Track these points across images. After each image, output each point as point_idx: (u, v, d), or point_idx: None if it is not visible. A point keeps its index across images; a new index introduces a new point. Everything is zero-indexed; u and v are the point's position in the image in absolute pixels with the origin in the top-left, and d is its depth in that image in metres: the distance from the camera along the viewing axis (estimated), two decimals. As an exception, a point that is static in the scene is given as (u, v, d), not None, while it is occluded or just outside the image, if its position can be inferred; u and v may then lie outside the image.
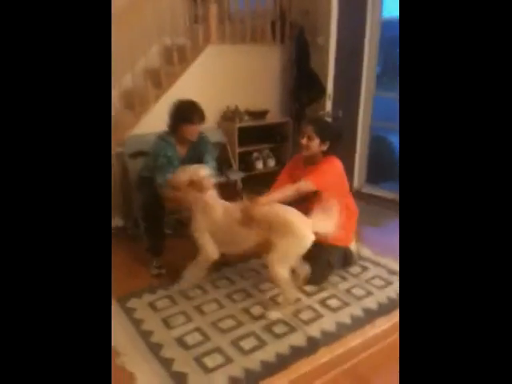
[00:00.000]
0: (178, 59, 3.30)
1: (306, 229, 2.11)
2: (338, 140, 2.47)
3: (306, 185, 2.32)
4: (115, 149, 3.13)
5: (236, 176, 3.44)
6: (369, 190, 3.89)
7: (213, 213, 2.25)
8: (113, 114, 3.28)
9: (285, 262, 2.10)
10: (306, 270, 2.38)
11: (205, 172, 2.31)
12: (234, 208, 2.27)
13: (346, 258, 2.67)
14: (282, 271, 2.09)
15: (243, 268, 2.68)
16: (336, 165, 2.45)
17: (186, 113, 2.51)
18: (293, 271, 2.22)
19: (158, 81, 3.28)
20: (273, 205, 2.21)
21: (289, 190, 2.32)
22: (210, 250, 2.27)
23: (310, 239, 2.11)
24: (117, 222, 3.31)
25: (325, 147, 2.42)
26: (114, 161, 3.18)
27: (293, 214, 2.15)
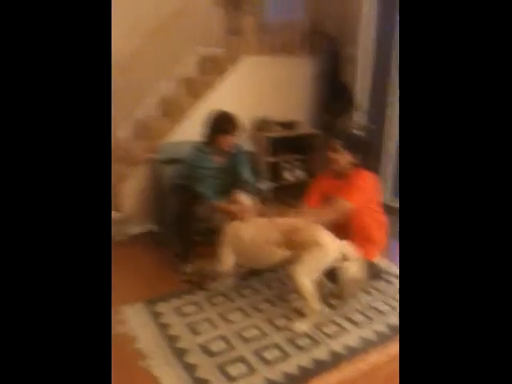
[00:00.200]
0: (213, 69, 3.37)
1: (333, 244, 2.13)
2: (367, 153, 2.46)
3: (345, 205, 2.32)
4: (150, 155, 3.23)
5: (264, 186, 3.47)
6: (396, 203, 3.84)
7: (243, 233, 2.33)
8: (149, 120, 3.39)
9: (309, 274, 2.12)
10: (328, 286, 2.39)
11: (250, 204, 2.43)
12: (266, 226, 2.31)
13: (372, 272, 2.65)
14: (306, 282, 2.11)
15: (269, 278, 2.70)
16: (370, 179, 2.44)
17: (223, 124, 2.57)
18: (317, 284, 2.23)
19: (194, 89, 3.36)
20: (308, 225, 2.22)
21: (331, 214, 2.32)
22: (225, 262, 2.37)
23: (334, 255, 2.13)
24: (148, 227, 3.41)
25: (354, 161, 2.41)
26: (147, 167, 3.28)
27: (322, 231, 2.18)
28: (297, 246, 2.17)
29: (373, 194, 2.45)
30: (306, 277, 2.11)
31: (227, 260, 2.38)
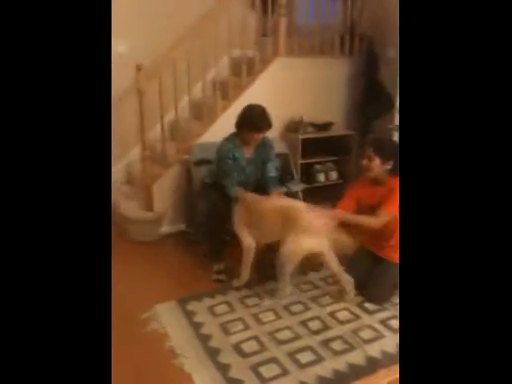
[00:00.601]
0: (246, 71, 3.37)
1: (317, 230, 2.25)
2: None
3: (389, 216, 2.28)
4: (182, 156, 3.25)
5: (297, 187, 3.43)
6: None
7: (253, 207, 2.44)
8: (181, 123, 3.43)
9: (289, 255, 2.25)
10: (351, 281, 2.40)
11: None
12: (270, 203, 2.44)
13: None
14: (287, 264, 2.27)
15: (301, 280, 2.65)
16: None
17: (255, 121, 2.55)
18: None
19: (226, 92, 3.37)
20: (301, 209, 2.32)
21: (376, 224, 2.31)
22: (246, 240, 2.46)
23: (317, 241, 2.26)
24: (180, 226, 3.43)
25: (388, 167, 2.34)
26: (179, 168, 3.31)
27: (311, 215, 2.28)
28: (288, 226, 2.26)
29: None
30: (288, 257, 2.24)
31: (247, 238, 2.45)
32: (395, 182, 2.32)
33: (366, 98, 3.67)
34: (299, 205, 2.39)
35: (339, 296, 2.43)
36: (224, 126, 3.34)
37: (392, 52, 3.54)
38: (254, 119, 2.55)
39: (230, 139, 2.66)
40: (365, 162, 2.38)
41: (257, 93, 3.45)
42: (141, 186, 3.34)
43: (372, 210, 2.37)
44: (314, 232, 2.24)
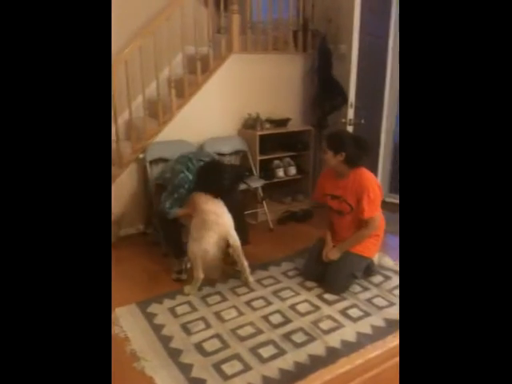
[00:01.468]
0: (200, 68, 3.34)
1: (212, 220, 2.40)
2: (355, 150, 2.42)
3: (375, 220, 2.43)
4: (138, 155, 3.19)
5: (257, 184, 3.44)
6: (392, 199, 3.83)
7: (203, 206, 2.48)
8: (138, 122, 3.36)
9: (194, 240, 2.42)
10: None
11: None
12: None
13: (369, 268, 2.63)
14: (193, 248, 2.43)
15: (262, 276, 2.68)
16: (373, 181, 2.44)
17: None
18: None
19: (181, 90, 3.32)
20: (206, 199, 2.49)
21: (369, 233, 2.46)
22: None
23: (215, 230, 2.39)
24: (139, 227, 3.37)
25: (340, 158, 2.40)
26: (136, 167, 3.25)
27: (209, 206, 2.46)
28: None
29: (379, 192, 2.45)
30: (193, 243, 2.39)
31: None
32: (355, 174, 2.42)
33: (321, 93, 3.73)
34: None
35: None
36: (180, 124, 3.32)
37: (344, 48, 3.62)
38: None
39: (189, 167, 2.60)
40: (323, 155, 2.49)
41: (212, 90, 3.44)
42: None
43: (336, 199, 2.50)
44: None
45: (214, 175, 2.54)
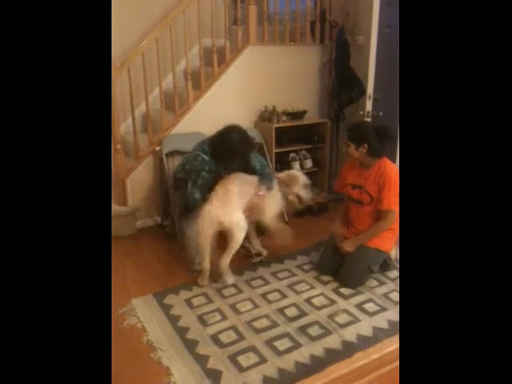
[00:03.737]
0: (217, 60, 3.33)
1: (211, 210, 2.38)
2: (377, 141, 2.39)
3: (392, 214, 2.40)
4: (155, 148, 3.21)
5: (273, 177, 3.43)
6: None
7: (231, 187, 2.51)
8: (154, 114, 3.37)
9: (199, 228, 2.39)
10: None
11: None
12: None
13: (385, 263, 2.61)
14: (199, 238, 2.41)
15: (277, 269, 2.68)
16: (396, 173, 2.40)
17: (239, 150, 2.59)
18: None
19: (198, 82, 3.32)
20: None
21: (388, 226, 2.45)
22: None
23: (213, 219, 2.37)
24: (155, 219, 3.40)
25: (363, 150, 2.38)
26: (153, 160, 3.27)
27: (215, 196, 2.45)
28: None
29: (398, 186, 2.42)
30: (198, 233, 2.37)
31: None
32: (379, 165, 2.43)
33: (338, 85, 3.67)
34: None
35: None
36: (196, 116, 3.33)
37: (362, 40, 3.56)
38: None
39: (204, 149, 2.59)
40: (346, 148, 2.49)
41: (229, 82, 3.42)
42: (114, 180, 3.28)
43: (357, 188, 2.51)
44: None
45: (223, 139, 2.59)
